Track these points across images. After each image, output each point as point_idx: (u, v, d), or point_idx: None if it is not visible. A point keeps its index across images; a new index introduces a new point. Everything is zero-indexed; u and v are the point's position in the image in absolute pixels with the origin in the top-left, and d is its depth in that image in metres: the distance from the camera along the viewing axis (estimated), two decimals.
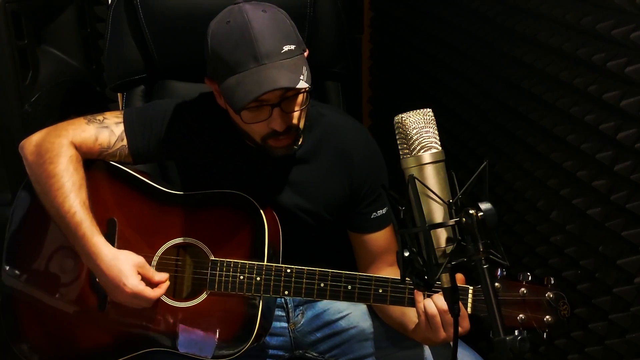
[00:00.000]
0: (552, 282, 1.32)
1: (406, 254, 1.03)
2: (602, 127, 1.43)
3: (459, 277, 1.34)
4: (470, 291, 1.36)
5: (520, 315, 1.31)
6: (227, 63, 1.33)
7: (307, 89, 1.34)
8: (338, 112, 1.65)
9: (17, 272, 1.54)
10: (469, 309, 1.36)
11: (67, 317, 1.51)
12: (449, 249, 1.00)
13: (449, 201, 1.00)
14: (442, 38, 2.17)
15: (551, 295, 1.30)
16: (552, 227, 1.64)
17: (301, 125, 1.43)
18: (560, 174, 1.59)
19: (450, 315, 1.30)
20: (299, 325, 1.63)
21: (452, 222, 0.99)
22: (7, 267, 1.54)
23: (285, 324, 1.63)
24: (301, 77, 1.32)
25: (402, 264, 1.03)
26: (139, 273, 1.41)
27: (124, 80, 1.91)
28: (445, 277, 1.01)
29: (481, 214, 0.97)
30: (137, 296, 1.39)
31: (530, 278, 1.32)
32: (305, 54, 1.42)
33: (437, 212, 1.01)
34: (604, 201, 1.45)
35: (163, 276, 1.44)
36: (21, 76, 2.02)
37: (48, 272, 1.53)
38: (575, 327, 1.57)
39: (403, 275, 1.04)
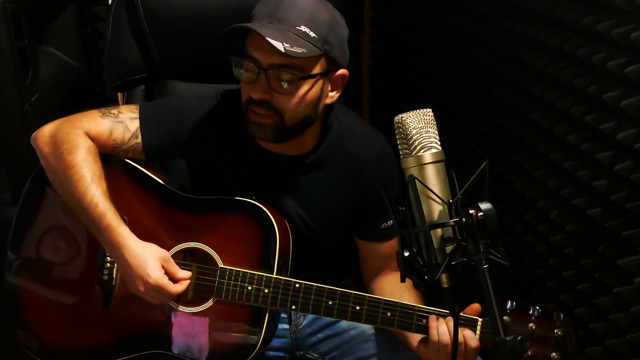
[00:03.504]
0: (562, 317, 1.31)
1: (406, 254, 1.03)
2: (602, 127, 1.43)
3: (475, 307, 1.34)
4: (479, 323, 1.34)
5: (527, 352, 1.29)
6: (251, 15, 1.37)
7: (287, 58, 1.29)
8: (356, 117, 1.59)
9: (21, 267, 1.54)
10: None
11: (71, 313, 1.51)
12: (449, 249, 1.00)
13: (449, 201, 1.00)
14: (442, 38, 2.17)
15: (559, 333, 1.29)
16: (552, 227, 1.64)
17: (286, 116, 1.37)
18: (560, 174, 1.59)
19: (464, 346, 1.31)
20: (300, 326, 1.63)
21: (452, 222, 0.99)
22: (12, 262, 1.54)
23: (286, 326, 1.63)
24: (289, 47, 1.28)
25: (402, 264, 1.03)
26: (162, 267, 1.40)
27: (125, 80, 1.91)
28: (445, 277, 1.01)
29: (481, 214, 0.97)
30: (159, 289, 1.38)
31: (540, 312, 1.31)
32: (338, 73, 1.40)
33: (437, 212, 1.01)
34: (604, 201, 1.45)
35: (186, 273, 1.43)
36: (21, 76, 2.02)
37: (54, 267, 1.52)
38: (575, 327, 1.57)
39: (403, 275, 1.04)
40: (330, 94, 1.43)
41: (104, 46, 1.93)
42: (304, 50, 1.30)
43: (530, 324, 1.29)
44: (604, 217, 1.46)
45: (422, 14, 2.33)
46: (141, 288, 1.39)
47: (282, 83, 1.34)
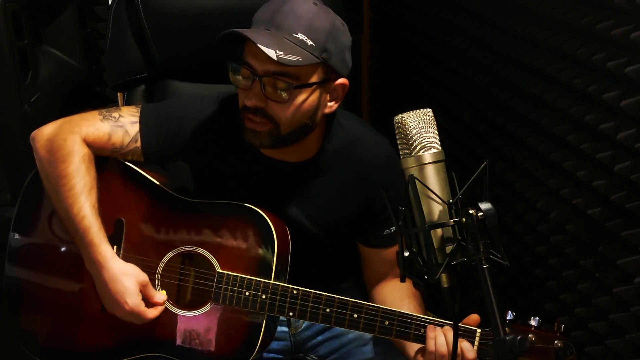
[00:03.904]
0: (562, 329, 1.29)
1: (406, 254, 1.03)
2: (602, 127, 1.43)
3: (474, 317, 1.32)
4: (478, 334, 1.33)
5: None
6: (252, 20, 1.35)
7: (281, 66, 1.26)
8: (360, 123, 1.56)
9: (21, 267, 1.53)
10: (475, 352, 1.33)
11: (69, 315, 1.50)
12: (449, 248, 1.00)
13: (449, 201, 1.01)
14: (442, 38, 2.17)
15: (559, 345, 1.27)
16: (552, 227, 1.64)
17: (281, 125, 1.35)
18: (560, 174, 1.60)
19: (461, 358, 1.30)
20: (300, 329, 1.63)
21: (452, 222, 0.99)
22: (11, 263, 1.54)
23: (286, 329, 1.62)
24: (282, 54, 1.26)
25: (402, 264, 1.03)
26: (140, 291, 1.40)
27: (125, 80, 1.91)
28: (445, 277, 1.01)
29: (481, 214, 0.97)
30: (134, 315, 1.39)
31: (540, 323, 1.29)
32: (337, 82, 1.37)
33: (437, 212, 1.01)
34: (604, 201, 1.45)
35: (161, 298, 1.43)
36: (21, 76, 2.01)
37: (52, 269, 1.52)
38: (575, 327, 1.57)
39: (403, 275, 1.04)
40: (329, 103, 1.40)
41: (104, 46, 1.93)
42: (299, 58, 1.28)
43: (530, 335, 1.28)
44: (604, 217, 1.46)
45: (422, 14, 2.33)
46: (117, 312, 1.40)
47: (277, 91, 1.31)
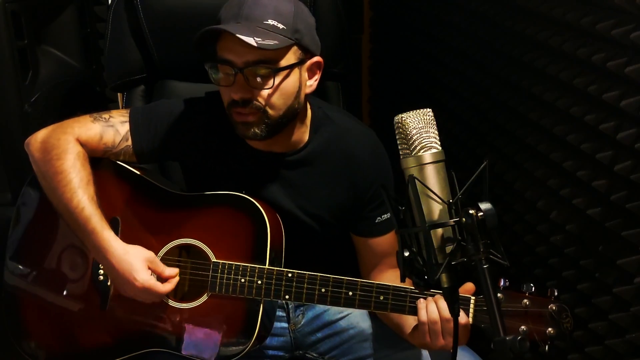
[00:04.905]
0: (556, 294, 1.30)
1: (406, 253, 1.03)
2: (602, 127, 1.43)
3: (469, 286, 1.34)
4: (472, 301, 1.34)
5: (522, 327, 1.29)
6: (216, 20, 1.39)
7: (262, 52, 1.31)
8: (346, 115, 1.63)
9: (19, 269, 1.55)
10: (470, 319, 1.35)
11: (68, 315, 1.51)
12: (449, 248, 1.00)
13: (449, 201, 1.00)
14: (442, 38, 2.17)
15: (554, 308, 1.29)
16: (552, 227, 1.64)
17: (270, 111, 1.39)
18: (560, 174, 1.59)
19: (451, 324, 1.30)
20: (299, 325, 1.63)
21: (452, 222, 0.99)
22: (10, 264, 1.55)
23: (285, 325, 1.63)
24: (261, 40, 1.30)
25: (402, 263, 1.03)
26: (149, 268, 1.41)
27: (124, 80, 1.92)
28: (445, 277, 1.01)
29: (481, 214, 0.97)
30: (147, 291, 1.40)
31: (533, 289, 1.30)
32: (312, 61, 1.43)
33: (437, 212, 1.01)
34: (604, 201, 1.45)
35: (173, 271, 1.44)
36: (21, 76, 2.02)
37: (50, 269, 1.53)
38: (575, 327, 1.57)
39: (403, 275, 1.04)
40: (309, 83, 1.46)
41: (104, 46, 1.93)
42: (276, 42, 1.33)
43: (525, 300, 1.29)
44: (604, 217, 1.46)
45: (422, 14, 2.33)
46: (130, 291, 1.41)
47: (260, 79, 1.36)
